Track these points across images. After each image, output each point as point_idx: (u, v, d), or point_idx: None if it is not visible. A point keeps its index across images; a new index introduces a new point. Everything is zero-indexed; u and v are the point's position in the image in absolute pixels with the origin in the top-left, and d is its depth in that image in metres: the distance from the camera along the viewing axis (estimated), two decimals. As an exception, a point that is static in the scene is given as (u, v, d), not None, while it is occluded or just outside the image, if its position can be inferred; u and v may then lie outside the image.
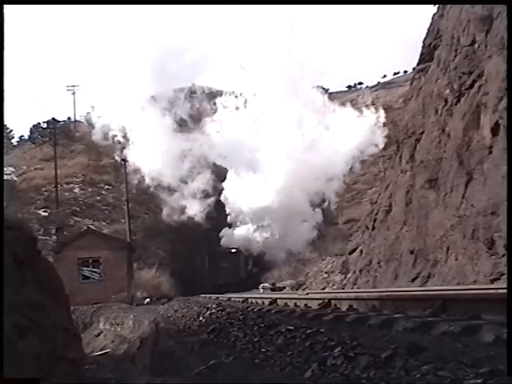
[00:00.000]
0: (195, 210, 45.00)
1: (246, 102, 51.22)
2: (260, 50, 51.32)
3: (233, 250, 41.74)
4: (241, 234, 44.63)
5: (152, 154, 45.00)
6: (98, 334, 20.29)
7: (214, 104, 54.48)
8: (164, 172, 45.54)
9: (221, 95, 54.98)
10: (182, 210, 44.39)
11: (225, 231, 45.09)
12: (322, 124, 47.88)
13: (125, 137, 47.09)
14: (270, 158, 45.33)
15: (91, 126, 49.92)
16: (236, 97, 52.90)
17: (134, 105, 47.18)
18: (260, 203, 44.06)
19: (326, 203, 45.55)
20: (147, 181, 44.57)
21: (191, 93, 60.98)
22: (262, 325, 6.02)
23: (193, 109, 55.68)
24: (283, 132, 44.51)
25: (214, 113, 52.68)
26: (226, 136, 49.11)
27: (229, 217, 46.03)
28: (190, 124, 52.00)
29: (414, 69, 18.64)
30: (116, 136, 47.64)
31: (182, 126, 50.99)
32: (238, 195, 45.98)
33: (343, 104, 53.15)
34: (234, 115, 51.22)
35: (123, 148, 44.79)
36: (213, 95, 57.93)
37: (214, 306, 10.61)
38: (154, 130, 47.39)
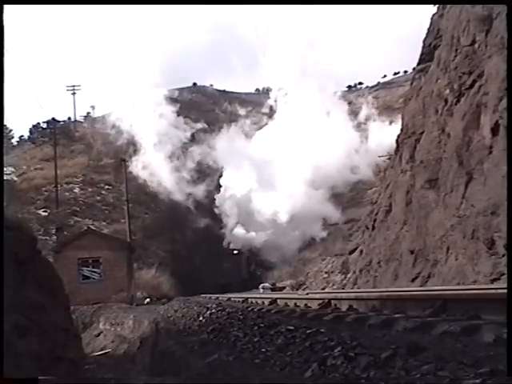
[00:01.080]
0: (231, 224, 45.22)
1: (271, 108, 50.79)
2: (280, 43, 51.04)
3: (235, 251, 41.85)
4: (244, 235, 44.58)
5: (167, 168, 45.18)
6: (98, 334, 20.30)
7: (225, 107, 54.38)
8: (186, 187, 45.45)
9: (241, 103, 54.92)
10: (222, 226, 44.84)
11: (228, 233, 45.06)
12: (348, 124, 47.47)
13: (134, 143, 47.06)
14: (288, 160, 45.04)
15: (97, 125, 49.96)
16: (253, 106, 52.80)
17: (143, 108, 47.16)
18: (271, 208, 43.96)
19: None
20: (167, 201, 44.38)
21: (205, 97, 60.82)
22: (261, 325, 6.00)
23: (207, 115, 55.62)
24: (304, 134, 44.14)
25: (232, 120, 52.76)
26: (239, 141, 49.17)
27: (233, 218, 46.01)
28: (206, 133, 51.83)
29: (414, 69, 18.63)
30: (123, 141, 47.61)
31: (196, 135, 50.89)
32: (247, 198, 45.90)
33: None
34: (255, 120, 51.18)
35: (132, 152, 44.75)
36: (234, 100, 57.82)
37: (214, 306, 10.59)
38: (167, 139, 47.33)
